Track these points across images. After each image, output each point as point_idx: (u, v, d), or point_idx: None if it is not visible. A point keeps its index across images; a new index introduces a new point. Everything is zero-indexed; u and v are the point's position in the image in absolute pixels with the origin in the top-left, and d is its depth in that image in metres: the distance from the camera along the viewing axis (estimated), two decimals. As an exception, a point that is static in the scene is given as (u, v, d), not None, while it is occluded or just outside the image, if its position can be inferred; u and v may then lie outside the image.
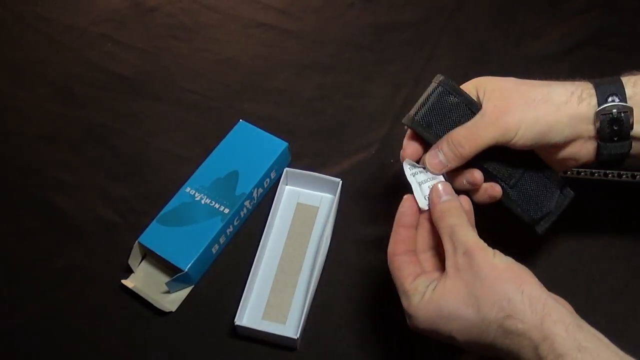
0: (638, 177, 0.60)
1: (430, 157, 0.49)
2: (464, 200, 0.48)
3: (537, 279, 0.42)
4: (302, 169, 0.65)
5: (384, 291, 0.59)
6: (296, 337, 0.54)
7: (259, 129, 0.67)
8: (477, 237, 0.44)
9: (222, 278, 0.61)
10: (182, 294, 0.59)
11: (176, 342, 0.57)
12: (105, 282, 0.60)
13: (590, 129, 0.47)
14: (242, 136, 0.67)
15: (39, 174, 0.69)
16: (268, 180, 0.66)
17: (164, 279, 0.59)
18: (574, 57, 0.76)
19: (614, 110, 0.46)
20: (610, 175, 0.61)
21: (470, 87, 0.50)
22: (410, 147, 0.51)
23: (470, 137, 0.47)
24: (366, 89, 0.74)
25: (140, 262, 0.61)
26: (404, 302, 0.45)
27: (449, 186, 0.48)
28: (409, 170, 0.49)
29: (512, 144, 0.47)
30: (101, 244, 0.63)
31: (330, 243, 0.62)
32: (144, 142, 0.71)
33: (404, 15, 0.82)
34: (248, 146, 0.66)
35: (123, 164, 0.69)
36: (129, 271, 0.60)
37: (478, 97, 0.49)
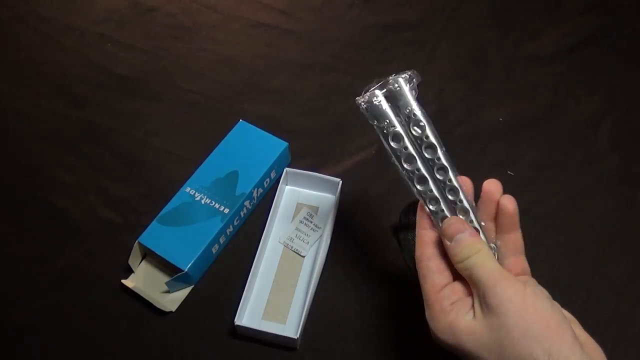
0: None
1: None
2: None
3: (572, 333, 0.38)
4: (302, 169, 0.65)
5: (384, 291, 0.59)
6: (296, 337, 0.54)
7: (259, 129, 0.67)
8: (501, 268, 0.41)
9: (222, 278, 0.61)
10: (182, 294, 0.59)
11: (176, 342, 0.57)
12: (105, 282, 0.60)
13: None
14: (242, 136, 0.67)
15: (39, 174, 0.69)
16: (268, 180, 0.66)
17: (164, 279, 0.59)
18: (574, 57, 0.76)
19: None
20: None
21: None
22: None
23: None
24: (366, 89, 0.74)
25: (140, 262, 0.61)
26: (426, 313, 0.43)
27: (457, 221, 0.44)
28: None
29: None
30: (101, 244, 0.63)
31: (330, 243, 0.62)
32: (144, 142, 0.71)
33: (404, 15, 0.82)
34: (248, 146, 0.66)
35: (123, 164, 0.69)
36: (129, 271, 0.60)
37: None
